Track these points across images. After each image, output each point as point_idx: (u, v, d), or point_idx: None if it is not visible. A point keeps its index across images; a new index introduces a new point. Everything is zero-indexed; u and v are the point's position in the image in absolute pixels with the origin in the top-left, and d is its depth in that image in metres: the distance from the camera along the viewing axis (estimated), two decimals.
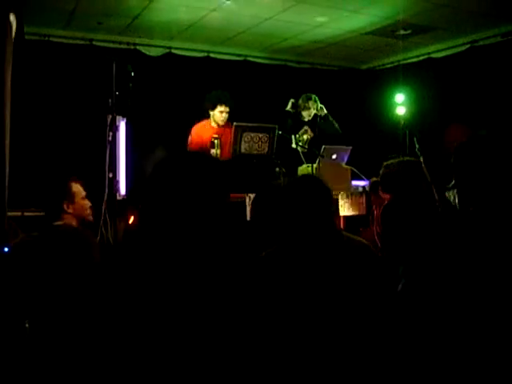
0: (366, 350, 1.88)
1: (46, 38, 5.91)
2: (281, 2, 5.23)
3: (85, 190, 2.99)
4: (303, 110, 5.60)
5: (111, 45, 6.18)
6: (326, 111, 5.64)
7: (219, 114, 5.10)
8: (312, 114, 5.61)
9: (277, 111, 6.54)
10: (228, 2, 5.24)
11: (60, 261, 2.58)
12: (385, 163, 3.51)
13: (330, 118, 5.66)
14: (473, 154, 1.80)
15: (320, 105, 5.65)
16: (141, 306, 1.39)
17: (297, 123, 5.61)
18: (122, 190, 4.56)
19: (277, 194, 2.37)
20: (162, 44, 6.58)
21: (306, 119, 5.62)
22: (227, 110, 5.10)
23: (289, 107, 5.60)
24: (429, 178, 3.41)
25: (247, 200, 4.48)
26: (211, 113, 5.16)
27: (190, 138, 5.22)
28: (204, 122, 5.24)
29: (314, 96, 5.66)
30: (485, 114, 5.97)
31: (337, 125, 5.68)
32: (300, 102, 5.64)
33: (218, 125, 5.15)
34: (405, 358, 1.74)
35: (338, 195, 5.01)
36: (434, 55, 6.83)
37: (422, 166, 3.54)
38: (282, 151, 5.19)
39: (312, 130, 5.61)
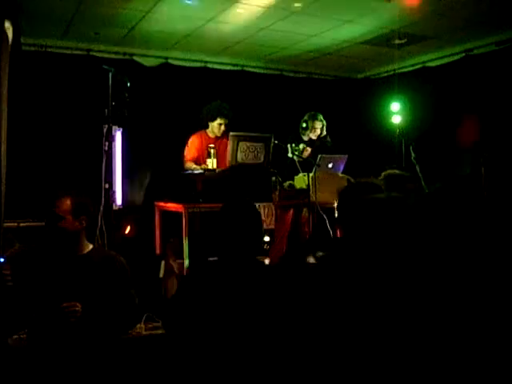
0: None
1: (43, 49, 5.92)
2: (276, 12, 5.25)
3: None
4: (310, 131, 5.61)
5: (108, 55, 6.19)
6: (325, 132, 5.67)
7: (218, 126, 5.13)
8: (317, 134, 5.63)
9: (274, 121, 6.58)
10: (225, 12, 5.26)
11: None
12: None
13: (328, 138, 5.70)
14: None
15: (324, 123, 5.65)
16: None
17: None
18: (119, 200, 4.55)
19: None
20: (158, 54, 6.60)
21: (307, 138, 5.63)
22: (226, 122, 5.14)
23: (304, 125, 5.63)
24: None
25: None
26: (210, 124, 5.18)
27: (186, 148, 5.22)
28: (200, 133, 5.25)
29: (319, 116, 5.65)
30: (480, 122, 5.99)
31: (329, 139, 5.71)
32: (307, 123, 5.62)
33: (216, 135, 5.17)
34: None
35: (333, 204, 5.02)
36: (429, 64, 6.86)
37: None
38: (279, 160, 5.20)
39: (309, 146, 5.59)
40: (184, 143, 5.32)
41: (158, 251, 4.92)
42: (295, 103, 6.94)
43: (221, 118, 5.11)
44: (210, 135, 5.21)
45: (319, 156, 5.02)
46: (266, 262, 4.71)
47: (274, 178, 4.82)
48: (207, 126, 5.22)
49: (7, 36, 3.60)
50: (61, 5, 5.02)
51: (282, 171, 5.14)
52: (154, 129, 6.41)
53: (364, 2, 5.07)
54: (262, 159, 4.76)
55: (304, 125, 5.64)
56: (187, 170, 4.91)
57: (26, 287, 2.62)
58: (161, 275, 4.38)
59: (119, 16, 5.34)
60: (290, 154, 5.34)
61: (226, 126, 5.14)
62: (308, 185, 4.72)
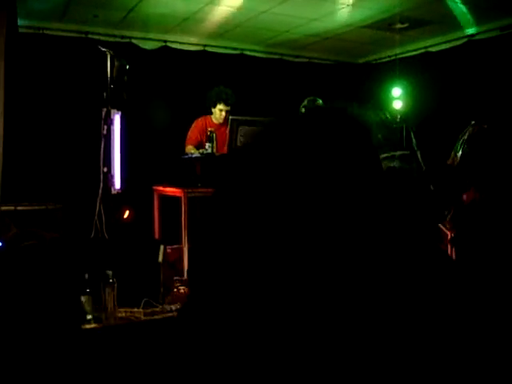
0: None
1: (41, 31, 5.86)
2: None
3: None
4: None
5: (106, 38, 6.12)
6: None
7: (219, 111, 5.09)
8: None
9: (274, 105, 6.52)
10: None
11: None
12: None
13: None
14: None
15: None
16: None
17: None
18: (117, 184, 4.52)
19: None
20: (157, 37, 6.53)
21: None
22: (227, 108, 5.08)
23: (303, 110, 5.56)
24: None
25: None
26: (212, 110, 5.15)
27: (189, 132, 5.19)
28: (204, 117, 5.22)
29: (319, 101, 5.60)
30: (482, 107, 5.95)
31: None
32: (306, 108, 5.56)
33: (219, 122, 5.13)
34: None
35: None
36: (431, 49, 6.80)
37: None
38: None
39: None
40: (183, 127, 5.29)
41: (156, 236, 4.90)
42: (295, 88, 6.88)
43: (220, 103, 5.06)
44: (214, 121, 5.17)
45: None
46: None
47: None
48: (211, 112, 5.18)
49: (4, 22, 3.55)
50: None
51: None
52: (153, 112, 6.36)
53: None
54: None
55: (303, 110, 5.60)
56: (187, 154, 4.87)
57: None
58: (159, 260, 4.36)
59: None
60: None
61: (228, 112, 5.08)
62: None
